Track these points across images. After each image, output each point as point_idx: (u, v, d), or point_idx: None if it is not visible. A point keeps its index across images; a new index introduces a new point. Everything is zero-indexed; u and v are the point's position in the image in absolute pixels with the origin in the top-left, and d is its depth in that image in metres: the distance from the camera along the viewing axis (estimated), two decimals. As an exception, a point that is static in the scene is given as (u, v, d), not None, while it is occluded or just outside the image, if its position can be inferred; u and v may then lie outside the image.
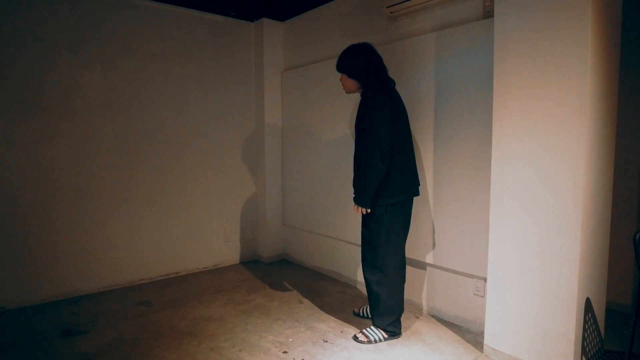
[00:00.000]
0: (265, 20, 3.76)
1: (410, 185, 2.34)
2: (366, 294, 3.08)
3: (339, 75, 2.42)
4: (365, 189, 2.21)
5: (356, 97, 3.10)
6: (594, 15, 1.74)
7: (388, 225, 2.27)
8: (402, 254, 2.37)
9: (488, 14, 2.34)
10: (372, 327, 2.37)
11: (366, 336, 2.33)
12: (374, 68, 2.30)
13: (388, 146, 2.15)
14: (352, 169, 2.43)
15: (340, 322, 2.59)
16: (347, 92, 2.43)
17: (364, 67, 2.29)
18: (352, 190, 3.17)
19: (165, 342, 2.32)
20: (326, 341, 2.35)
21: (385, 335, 2.34)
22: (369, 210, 2.25)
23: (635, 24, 2.54)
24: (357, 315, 2.68)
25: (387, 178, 2.23)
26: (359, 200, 2.25)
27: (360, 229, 2.42)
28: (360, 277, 3.21)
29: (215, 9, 3.55)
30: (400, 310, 2.37)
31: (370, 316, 2.59)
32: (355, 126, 2.34)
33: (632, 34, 2.50)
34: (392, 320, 2.34)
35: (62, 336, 2.41)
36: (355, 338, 2.35)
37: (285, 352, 2.22)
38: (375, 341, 2.31)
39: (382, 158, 2.14)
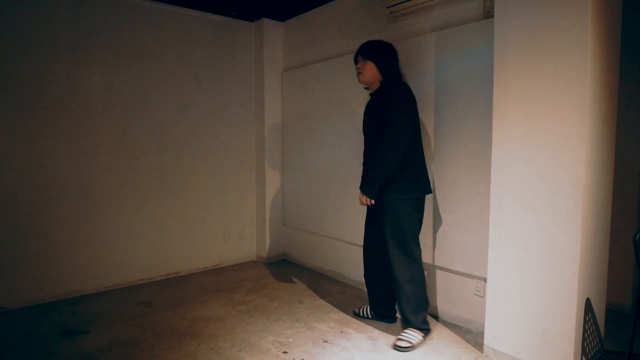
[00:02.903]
0: (265, 20, 3.76)
1: (427, 181, 2.37)
2: (366, 295, 3.08)
3: (353, 65, 2.46)
4: (376, 180, 2.22)
5: (357, 96, 3.11)
6: (594, 15, 1.74)
7: (412, 219, 2.28)
8: (420, 249, 2.39)
9: (488, 14, 2.34)
10: (408, 330, 2.30)
11: (408, 341, 2.24)
12: (396, 64, 2.35)
13: (406, 143, 2.17)
14: (362, 163, 2.43)
15: (340, 322, 2.59)
16: (363, 81, 2.40)
17: (390, 59, 2.33)
18: (351, 190, 3.18)
19: (165, 342, 2.32)
20: (326, 341, 2.35)
21: (422, 335, 2.29)
22: (373, 202, 2.26)
23: (635, 24, 2.53)
24: (357, 315, 2.67)
25: (413, 172, 2.25)
26: (367, 190, 2.24)
27: (381, 231, 2.34)
28: (359, 277, 3.21)
29: (215, 9, 3.55)
30: (428, 304, 2.38)
31: (370, 316, 2.59)
32: (370, 116, 2.35)
33: (632, 34, 2.50)
34: (424, 316, 2.33)
35: (62, 336, 2.41)
36: (397, 347, 2.23)
37: (285, 352, 2.22)
38: (417, 343, 2.25)
39: (398, 154, 2.16)
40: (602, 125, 1.92)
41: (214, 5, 3.48)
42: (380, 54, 2.33)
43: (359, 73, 2.39)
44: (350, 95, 3.18)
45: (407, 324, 2.35)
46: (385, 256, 2.37)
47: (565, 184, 1.82)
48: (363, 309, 2.68)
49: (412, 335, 2.28)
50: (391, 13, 2.77)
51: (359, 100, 3.08)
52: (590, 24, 1.72)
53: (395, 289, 2.36)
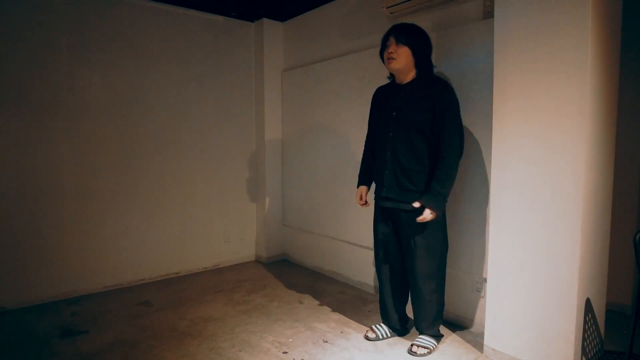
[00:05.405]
0: (265, 20, 3.76)
1: None
2: (366, 295, 3.07)
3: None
4: (447, 194, 2.08)
5: (357, 96, 3.11)
6: (594, 15, 1.74)
7: (446, 227, 2.24)
8: None
9: (488, 14, 2.34)
10: (423, 336, 2.23)
11: (425, 347, 2.18)
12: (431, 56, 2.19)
13: None
14: (397, 164, 2.14)
15: (340, 322, 2.59)
16: (396, 68, 2.14)
17: (430, 49, 2.16)
18: (352, 190, 3.17)
19: (165, 343, 2.32)
20: (326, 341, 2.35)
21: (436, 341, 2.24)
22: (438, 215, 2.08)
23: (635, 24, 2.53)
24: (375, 339, 2.34)
25: None
26: (440, 204, 2.06)
27: (410, 241, 2.17)
28: (359, 278, 3.21)
29: (215, 9, 3.56)
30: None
31: (391, 335, 2.39)
32: (404, 110, 2.13)
33: (632, 34, 2.50)
34: (440, 324, 2.29)
35: (61, 336, 2.41)
36: (413, 353, 2.17)
37: (285, 352, 2.22)
38: (433, 349, 2.21)
39: (458, 163, 2.11)
40: (602, 125, 1.92)
41: (214, 5, 3.49)
42: (419, 41, 2.11)
43: (391, 58, 2.11)
44: (350, 94, 3.18)
45: (422, 330, 2.25)
46: (407, 267, 2.24)
47: (565, 184, 1.82)
48: (379, 331, 2.37)
49: (429, 341, 2.21)
50: (391, 13, 2.77)
51: (359, 99, 3.08)
52: (590, 23, 1.72)
53: (416, 299, 2.23)
